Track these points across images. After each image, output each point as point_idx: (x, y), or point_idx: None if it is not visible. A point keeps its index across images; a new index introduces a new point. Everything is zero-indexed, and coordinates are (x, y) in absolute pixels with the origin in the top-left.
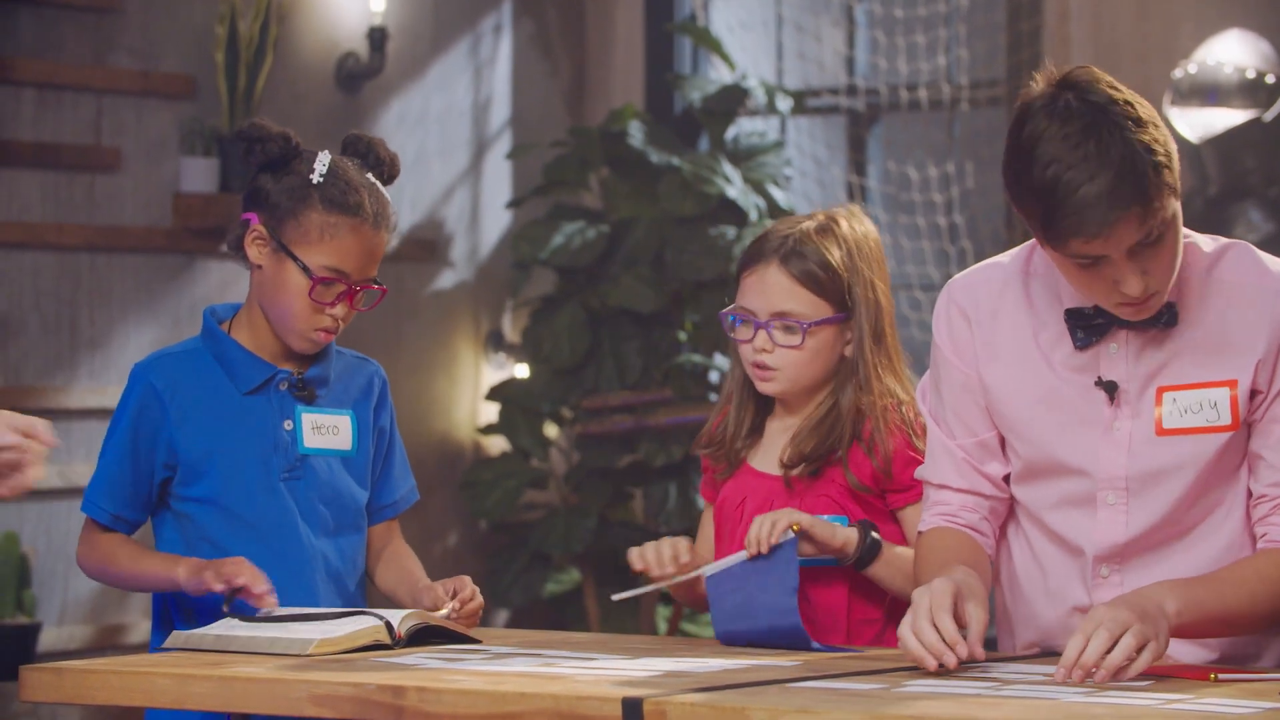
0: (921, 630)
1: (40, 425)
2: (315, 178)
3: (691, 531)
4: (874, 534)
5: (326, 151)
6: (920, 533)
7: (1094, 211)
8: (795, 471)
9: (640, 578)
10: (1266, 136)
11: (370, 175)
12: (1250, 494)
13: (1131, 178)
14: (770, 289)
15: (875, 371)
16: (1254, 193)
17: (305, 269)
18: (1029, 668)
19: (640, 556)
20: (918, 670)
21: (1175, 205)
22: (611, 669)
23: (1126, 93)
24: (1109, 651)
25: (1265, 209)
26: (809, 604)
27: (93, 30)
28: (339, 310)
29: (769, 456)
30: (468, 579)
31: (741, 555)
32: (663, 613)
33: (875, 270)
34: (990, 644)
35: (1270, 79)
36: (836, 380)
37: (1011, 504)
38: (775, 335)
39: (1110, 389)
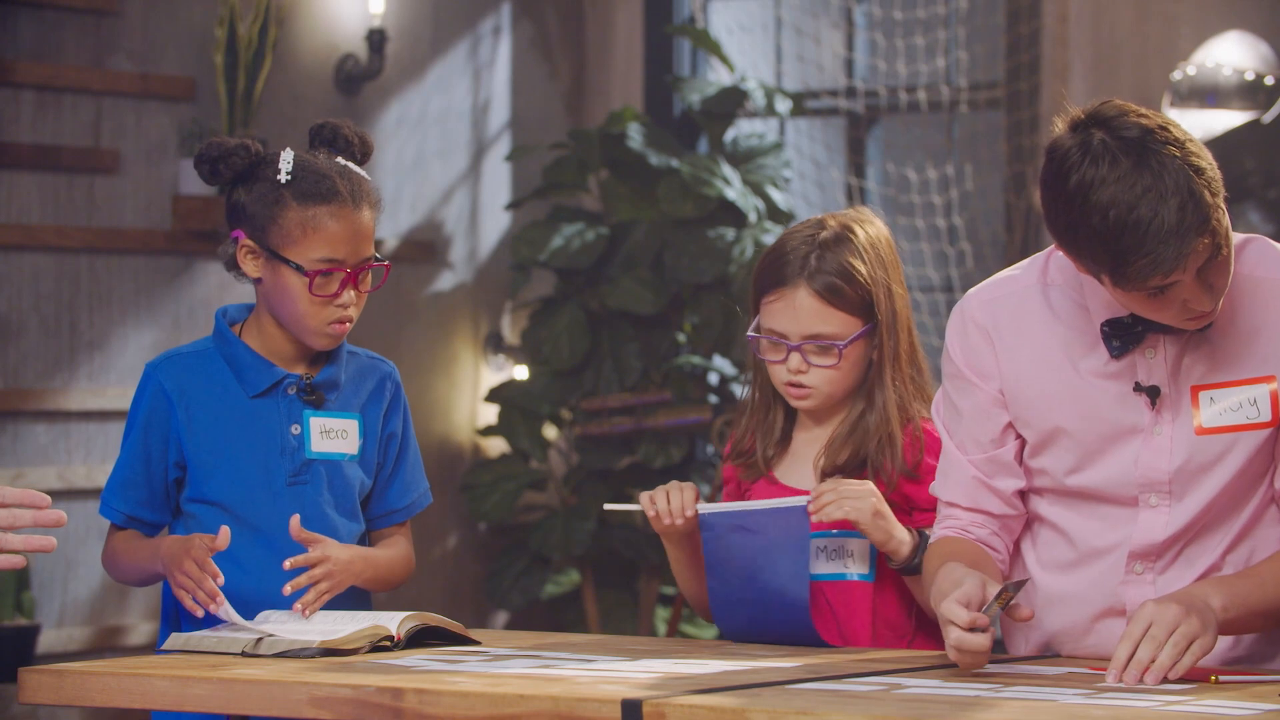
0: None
1: (37, 498)
2: (283, 177)
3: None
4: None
5: (289, 149)
6: (930, 544)
7: (1168, 247)
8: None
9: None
10: (1265, 138)
11: (341, 159)
12: (1275, 487)
13: (1193, 203)
14: (801, 313)
15: (902, 377)
16: (1253, 194)
17: (299, 268)
18: (1029, 668)
19: (650, 501)
20: (917, 670)
21: (1226, 216)
22: (611, 670)
23: (1154, 116)
24: (1159, 651)
25: (1264, 210)
26: (833, 614)
27: (92, 33)
28: (346, 298)
29: (794, 469)
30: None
31: (743, 506)
32: (662, 614)
33: (893, 274)
34: (998, 646)
35: (1269, 81)
36: (864, 387)
37: (1026, 516)
38: (809, 356)
39: (1153, 394)
